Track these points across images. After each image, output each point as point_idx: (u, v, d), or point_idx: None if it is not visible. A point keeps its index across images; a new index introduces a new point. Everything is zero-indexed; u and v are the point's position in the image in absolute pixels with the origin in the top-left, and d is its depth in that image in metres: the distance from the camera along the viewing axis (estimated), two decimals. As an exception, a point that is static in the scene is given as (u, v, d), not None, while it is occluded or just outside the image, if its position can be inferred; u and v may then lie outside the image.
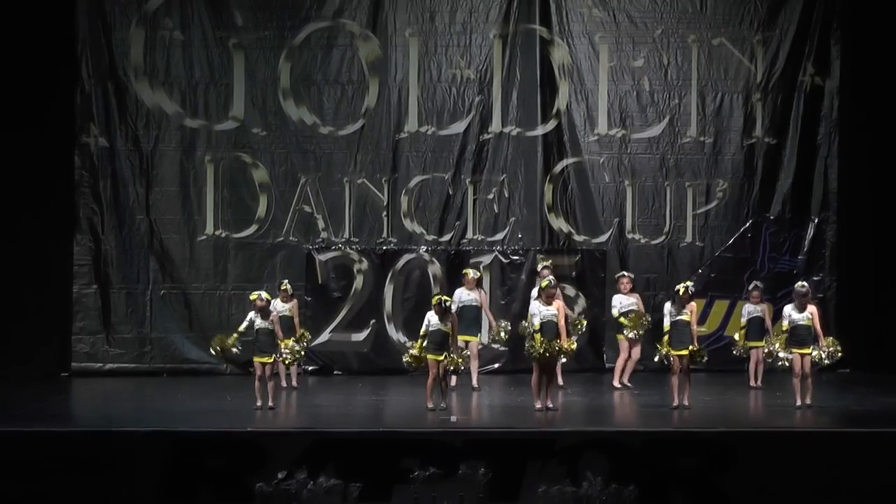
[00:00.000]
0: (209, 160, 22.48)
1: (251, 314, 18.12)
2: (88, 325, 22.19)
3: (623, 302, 20.32)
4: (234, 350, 18.24)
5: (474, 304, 19.95)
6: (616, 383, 20.27)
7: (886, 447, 15.36)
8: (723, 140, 22.97)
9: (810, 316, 18.02)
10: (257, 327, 18.01)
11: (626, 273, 20.63)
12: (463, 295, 19.90)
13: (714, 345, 21.56)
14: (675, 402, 17.93)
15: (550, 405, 17.66)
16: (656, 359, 18.47)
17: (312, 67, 22.62)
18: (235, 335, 18.10)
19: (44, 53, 21.77)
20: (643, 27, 22.91)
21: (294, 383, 20.26)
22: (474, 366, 19.83)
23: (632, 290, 20.36)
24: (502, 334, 20.39)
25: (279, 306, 19.48)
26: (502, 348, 21.70)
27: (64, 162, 22.17)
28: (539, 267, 20.42)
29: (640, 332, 20.02)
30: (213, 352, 18.67)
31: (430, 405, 17.78)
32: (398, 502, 15.06)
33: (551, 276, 18.39)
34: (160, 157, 22.40)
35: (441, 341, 17.80)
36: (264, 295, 18.30)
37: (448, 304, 17.94)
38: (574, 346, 18.03)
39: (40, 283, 21.81)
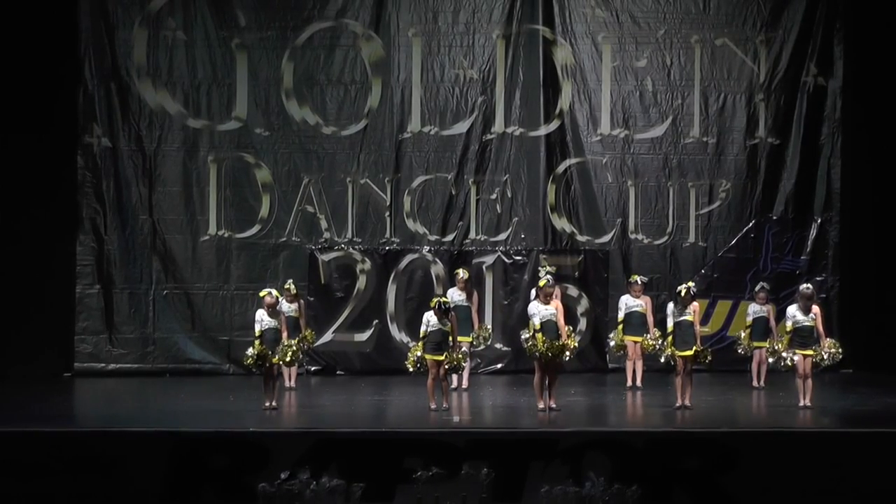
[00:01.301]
0: (212, 160, 22.48)
1: (259, 312, 18.06)
2: (91, 326, 22.18)
3: (629, 303, 20.38)
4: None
5: (465, 304, 19.91)
6: (630, 383, 20.27)
7: (889, 447, 15.36)
8: (726, 140, 22.95)
9: (814, 317, 18.03)
10: (266, 326, 17.91)
11: (638, 280, 20.58)
12: (455, 295, 19.83)
13: (717, 345, 21.55)
14: (679, 403, 17.94)
15: (553, 405, 17.65)
16: (662, 359, 18.53)
17: (315, 68, 22.62)
18: (258, 342, 17.83)
19: (47, 53, 21.76)
20: (646, 27, 22.90)
21: (292, 383, 20.22)
22: (465, 366, 19.77)
23: (642, 294, 20.40)
24: (481, 339, 20.32)
25: (284, 307, 19.45)
26: (481, 348, 21.43)
27: (67, 162, 22.17)
28: (541, 273, 20.23)
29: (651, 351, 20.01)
30: (253, 366, 18.00)
31: (433, 405, 17.78)
32: (401, 502, 15.07)
33: (549, 276, 18.35)
34: (163, 157, 22.40)
35: (440, 341, 17.79)
36: (274, 292, 18.18)
37: (448, 305, 17.93)
38: (576, 343, 17.99)
39: (43, 284, 21.80)
